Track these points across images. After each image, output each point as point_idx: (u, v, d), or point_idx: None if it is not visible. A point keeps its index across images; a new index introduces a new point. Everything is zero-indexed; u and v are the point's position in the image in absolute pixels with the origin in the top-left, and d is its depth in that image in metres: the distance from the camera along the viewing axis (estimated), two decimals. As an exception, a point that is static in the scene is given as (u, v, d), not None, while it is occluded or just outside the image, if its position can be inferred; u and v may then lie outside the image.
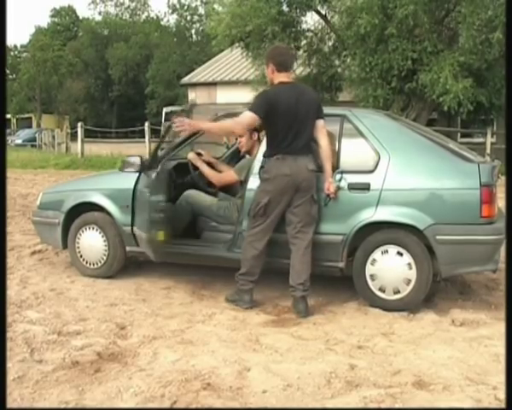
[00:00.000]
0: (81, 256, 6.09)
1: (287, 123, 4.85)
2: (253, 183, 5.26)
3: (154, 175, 5.36)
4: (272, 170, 4.89)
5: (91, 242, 6.02)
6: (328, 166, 5.00)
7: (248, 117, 4.86)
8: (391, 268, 5.00)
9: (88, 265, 6.07)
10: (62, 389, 3.47)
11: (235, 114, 5.41)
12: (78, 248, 6.08)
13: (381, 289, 5.03)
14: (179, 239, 5.75)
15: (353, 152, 5.26)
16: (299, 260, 4.93)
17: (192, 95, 24.82)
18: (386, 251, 5.00)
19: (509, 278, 3.84)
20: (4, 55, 4.97)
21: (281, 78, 4.97)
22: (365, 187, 5.02)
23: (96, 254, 6.01)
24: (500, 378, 3.58)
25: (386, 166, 5.02)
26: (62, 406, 3.27)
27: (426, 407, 3.26)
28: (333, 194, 5.01)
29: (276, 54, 5.07)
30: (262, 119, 4.84)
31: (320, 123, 5.01)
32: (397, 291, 4.99)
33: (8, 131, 41.88)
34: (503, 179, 5.15)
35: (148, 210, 5.29)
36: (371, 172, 5.05)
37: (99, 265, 6.02)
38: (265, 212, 4.93)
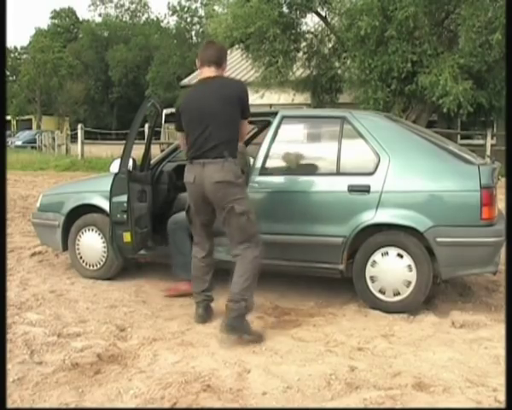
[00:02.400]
0: (81, 258, 6.09)
1: (196, 124, 4.44)
2: (254, 182, 5.29)
3: (116, 176, 5.37)
4: (185, 176, 4.60)
5: (91, 243, 6.02)
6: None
7: (179, 137, 4.84)
8: (391, 270, 5.00)
9: (88, 266, 6.07)
10: (62, 390, 3.47)
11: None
12: (78, 249, 6.09)
13: (381, 291, 5.03)
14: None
15: (353, 154, 5.27)
16: (237, 273, 4.43)
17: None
18: (387, 253, 5.00)
19: (508, 280, 3.83)
20: (4, 57, 4.96)
21: (203, 73, 4.58)
22: (365, 189, 5.02)
23: (96, 255, 6.02)
24: (500, 380, 3.58)
25: (387, 168, 5.02)
26: (62, 408, 3.27)
27: (426, 407, 3.25)
28: None
29: (200, 49, 4.72)
30: (181, 130, 4.64)
31: (243, 123, 4.59)
32: (397, 293, 4.99)
33: (8, 132, 41.92)
34: (502, 181, 5.16)
35: (110, 211, 5.32)
36: (371, 174, 5.05)
37: (98, 266, 6.02)
38: (192, 218, 4.73)
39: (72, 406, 3.29)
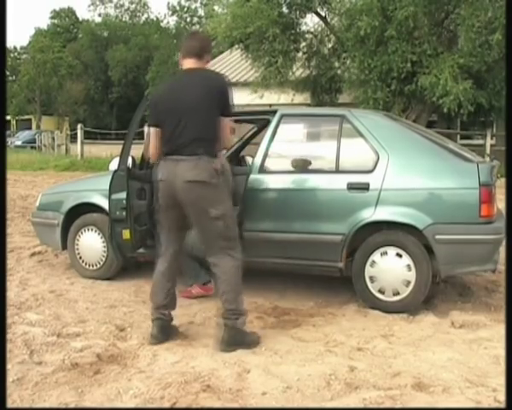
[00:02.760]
0: (80, 258, 6.09)
1: (171, 116, 4.09)
2: (253, 181, 5.30)
3: (115, 173, 5.38)
4: (156, 173, 4.32)
5: (90, 243, 6.02)
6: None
7: (150, 134, 4.33)
8: (390, 270, 5.01)
9: (87, 266, 6.07)
10: (62, 390, 3.46)
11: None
12: (78, 249, 6.09)
13: (381, 291, 5.03)
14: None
15: (352, 152, 5.28)
16: (222, 290, 4.18)
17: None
18: (386, 253, 5.00)
19: (508, 280, 3.83)
20: (4, 57, 4.96)
21: (185, 64, 4.25)
22: (364, 187, 5.02)
23: (96, 255, 6.02)
24: (500, 380, 3.58)
25: (386, 166, 5.03)
26: (62, 407, 3.27)
27: (426, 407, 3.25)
28: None
29: (183, 40, 4.47)
30: (154, 125, 4.25)
31: (224, 121, 4.15)
32: (396, 293, 4.99)
33: (7, 132, 41.89)
34: (502, 181, 5.16)
35: (109, 209, 5.33)
36: (370, 172, 5.06)
37: (98, 266, 6.02)
38: (160, 220, 4.40)
39: (72, 406, 3.28)
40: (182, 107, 4.06)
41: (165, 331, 4.33)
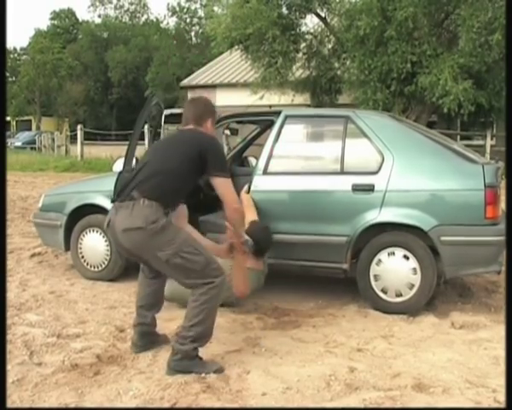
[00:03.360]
0: (83, 259, 6.09)
1: (139, 163, 4.13)
2: (257, 182, 5.30)
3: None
4: None
5: (94, 244, 6.03)
6: (239, 230, 4.17)
7: None
8: (395, 271, 5.00)
9: (90, 267, 6.07)
10: (62, 391, 3.47)
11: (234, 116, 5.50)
12: (81, 250, 6.09)
13: (384, 291, 5.03)
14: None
15: (357, 153, 5.27)
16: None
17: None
18: (393, 253, 5.00)
19: (508, 282, 3.83)
20: (4, 58, 4.95)
21: None
22: (369, 188, 5.02)
23: (99, 256, 6.02)
24: (500, 381, 3.58)
25: (391, 167, 5.02)
26: (62, 407, 3.27)
27: (426, 406, 3.25)
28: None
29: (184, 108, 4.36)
30: None
31: (218, 182, 3.88)
32: (399, 294, 4.99)
33: (7, 133, 41.88)
34: (504, 181, 5.16)
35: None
36: (375, 173, 5.06)
37: (101, 268, 6.02)
38: None
39: (72, 406, 3.28)
40: (148, 157, 4.03)
41: (146, 339, 4.17)
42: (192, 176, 3.94)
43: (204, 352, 4.08)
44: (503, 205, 5.14)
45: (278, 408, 3.24)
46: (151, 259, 3.78)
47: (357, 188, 5.06)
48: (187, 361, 3.75)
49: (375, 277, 5.06)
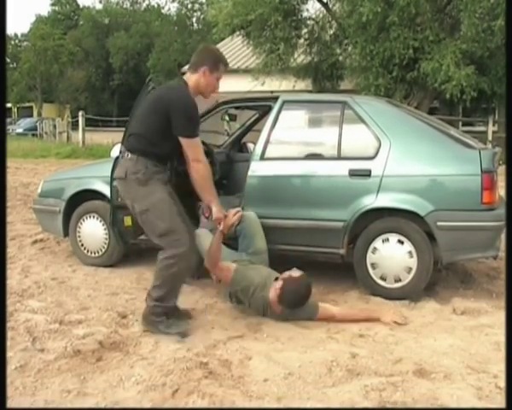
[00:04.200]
0: (82, 245, 6.10)
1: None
2: (255, 168, 5.31)
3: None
4: None
5: (92, 230, 6.03)
6: (203, 195, 4.25)
7: None
8: (392, 257, 5.01)
9: (89, 253, 6.08)
10: (64, 377, 3.47)
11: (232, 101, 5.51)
12: (79, 236, 6.09)
13: (382, 278, 5.04)
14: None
15: (354, 139, 5.28)
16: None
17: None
18: (387, 239, 5.00)
19: (509, 271, 3.83)
20: (4, 45, 4.93)
21: None
22: (366, 173, 5.02)
23: (97, 242, 6.02)
24: (501, 367, 3.59)
25: (387, 152, 5.02)
26: (64, 394, 3.28)
27: (429, 407, 3.24)
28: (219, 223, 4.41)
29: None
30: None
31: (183, 141, 4.05)
32: (398, 279, 5.00)
33: (8, 120, 41.85)
34: (503, 168, 5.15)
35: (111, 195, 5.33)
36: (372, 158, 5.06)
37: (100, 253, 6.03)
38: None
39: (74, 393, 3.29)
40: (135, 115, 4.41)
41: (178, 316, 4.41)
42: (168, 131, 4.04)
43: (206, 337, 4.10)
44: (501, 191, 5.14)
45: (278, 409, 3.24)
46: (132, 209, 4.18)
47: (354, 173, 5.07)
48: (153, 317, 4.17)
49: (373, 265, 5.07)
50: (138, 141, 4.11)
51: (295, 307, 4.38)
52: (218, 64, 4.25)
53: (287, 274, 4.44)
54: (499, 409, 3.12)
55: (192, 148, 4.06)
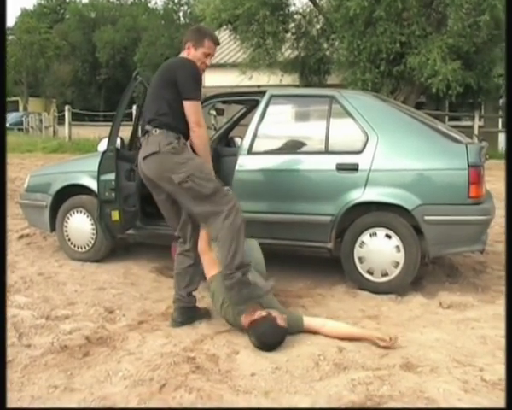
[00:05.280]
0: (69, 240, 6.08)
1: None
2: (242, 162, 5.32)
3: (104, 154, 5.41)
4: None
5: (79, 225, 6.01)
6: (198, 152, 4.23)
7: None
8: (379, 251, 5.02)
9: (76, 248, 6.05)
10: (51, 373, 3.46)
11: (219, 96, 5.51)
12: (66, 231, 6.07)
13: (370, 272, 5.06)
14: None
15: (342, 133, 5.28)
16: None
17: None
18: (375, 234, 5.02)
19: (509, 271, 3.85)
20: (4, 44, 4.89)
21: None
22: (353, 168, 5.03)
23: (84, 237, 6.00)
24: (486, 360, 3.62)
25: (375, 146, 5.04)
26: (51, 390, 3.27)
27: (429, 407, 3.25)
28: None
29: None
30: None
31: (184, 104, 4.11)
32: (385, 274, 5.01)
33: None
34: (490, 162, 5.17)
35: (98, 190, 5.33)
36: (359, 152, 5.07)
37: (87, 248, 6.01)
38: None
39: (61, 388, 3.28)
40: (149, 93, 4.39)
41: (185, 314, 4.32)
42: (180, 98, 4.11)
43: (193, 332, 4.10)
44: (488, 186, 5.17)
45: (277, 408, 3.24)
46: (167, 184, 4.04)
47: (341, 167, 5.07)
48: (245, 289, 4.00)
49: (360, 259, 5.08)
50: (163, 115, 4.11)
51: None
52: (202, 39, 4.32)
53: (255, 315, 3.96)
54: (499, 409, 3.14)
55: (195, 111, 4.12)
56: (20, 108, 53.25)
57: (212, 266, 4.31)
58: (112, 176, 5.33)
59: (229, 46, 22.99)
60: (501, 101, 18.34)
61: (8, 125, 39.09)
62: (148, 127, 4.14)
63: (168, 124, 4.10)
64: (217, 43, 4.44)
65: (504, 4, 13.62)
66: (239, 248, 3.99)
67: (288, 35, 18.44)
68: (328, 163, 5.12)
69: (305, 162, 5.26)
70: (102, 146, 5.56)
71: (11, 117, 43.08)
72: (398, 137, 5.11)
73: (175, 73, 4.12)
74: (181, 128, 4.13)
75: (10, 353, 3.70)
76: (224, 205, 3.99)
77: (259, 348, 3.82)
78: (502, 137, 19.26)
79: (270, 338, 3.84)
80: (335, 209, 5.08)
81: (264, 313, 3.92)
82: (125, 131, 5.78)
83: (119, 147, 5.51)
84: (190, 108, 4.10)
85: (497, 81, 15.54)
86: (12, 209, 8.93)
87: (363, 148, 5.07)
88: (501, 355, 3.72)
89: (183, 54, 4.34)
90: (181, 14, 67.43)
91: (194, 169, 4.01)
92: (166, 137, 4.05)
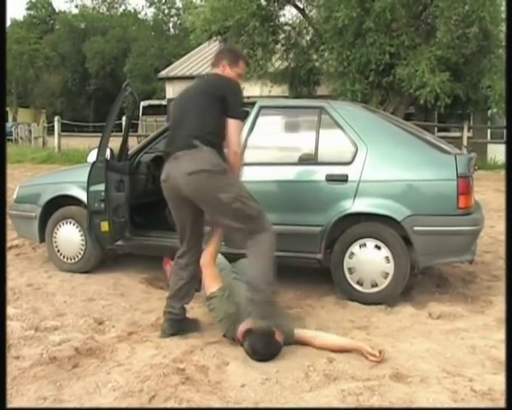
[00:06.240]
0: (58, 251, 6.05)
1: (175, 117, 4.30)
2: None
3: (93, 164, 5.42)
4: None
5: (68, 236, 5.99)
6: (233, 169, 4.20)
7: None
8: (369, 262, 5.03)
9: (65, 259, 6.03)
10: (40, 384, 3.45)
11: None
12: (56, 242, 6.05)
13: (359, 283, 5.06)
14: (157, 232, 5.76)
15: (331, 144, 5.30)
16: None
17: (170, 89, 24.75)
18: (365, 245, 5.03)
19: (509, 271, 3.86)
20: (4, 48, 4.88)
21: None
22: (343, 179, 5.05)
23: (74, 248, 5.98)
24: (476, 370, 3.63)
25: (364, 157, 5.05)
26: (40, 401, 3.25)
27: (431, 407, 3.26)
28: None
29: None
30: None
31: (229, 122, 4.09)
32: (375, 284, 5.02)
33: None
34: (479, 172, 5.19)
35: (88, 201, 5.33)
36: (349, 163, 5.09)
37: (76, 259, 5.99)
38: (173, 219, 4.37)
39: (50, 400, 3.27)
40: (184, 108, 4.21)
41: (175, 327, 4.32)
42: (224, 118, 4.10)
43: (183, 343, 4.09)
44: (477, 196, 5.19)
45: (278, 408, 3.24)
46: (210, 201, 4.00)
47: (330, 178, 5.08)
48: (270, 307, 4.01)
49: (350, 270, 5.09)
50: (210, 135, 4.06)
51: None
52: (238, 60, 4.43)
53: (246, 324, 4.01)
54: (499, 409, 3.15)
55: (239, 131, 4.19)
56: (10, 118, 53.08)
57: (213, 281, 4.28)
58: (101, 187, 5.34)
59: (219, 57, 22.99)
60: (489, 112, 18.44)
61: (-3, 135, 38.98)
62: (195, 142, 3.99)
63: (215, 143, 4.08)
64: (247, 66, 4.55)
65: (493, 17, 13.85)
66: (271, 266, 4.08)
67: (278, 46, 18.47)
68: (318, 174, 5.13)
69: (295, 173, 5.26)
70: (92, 157, 5.55)
71: (0, 127, 42.93)
72: (387, 148, 5.13)
73: (223, 90, 4.12)
74: (222, 148, 4.18)
75: (-1, 364, 3.68)
76: (268, 228, 4.12)
77: (250, 356, 3.83)
78: (490, 148, 19.38)
79: (263, 349, 3.85)
80: (325, 220, 5.08)
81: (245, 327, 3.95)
82: (115, 142, 5.78)
83: (108, 158, 5.52)
84: (235, 126, 4.11)
85: (485, 92, 15.63)
86: (1, 220, 8.90)
87: (353, 159, 5.09)
88: (490, 365, 3.74)
89: (217, 71, 4.37)
90: (171, 25, 67.48)
91: (241, 190, 4.11)
92: (216, 157, 4.02)
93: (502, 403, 3.22)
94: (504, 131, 19.21)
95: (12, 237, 7.40)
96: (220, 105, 4.08)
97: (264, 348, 3.84)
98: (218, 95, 4.11)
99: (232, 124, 4.09)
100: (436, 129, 19.61)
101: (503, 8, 14.58)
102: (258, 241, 4.06)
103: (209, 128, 4.07)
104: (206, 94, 4.16)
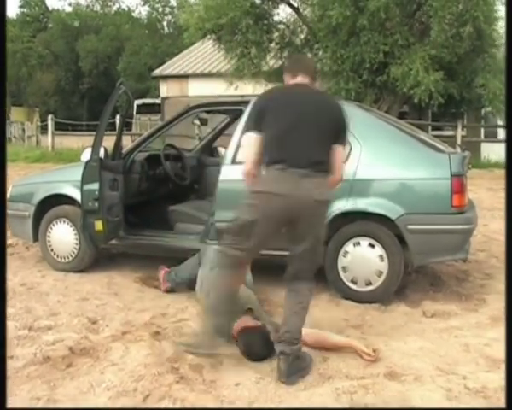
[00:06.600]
0: (52, 250, 6.04)
1: (292, 125, 3.71)
2: (226, 172, 5.29)
3: (87, 163, 5.42)
4: (265, 182, 3.81)
5: (62, 235, 5.97)
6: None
7: (251, 140, 3.89)
8: (363, 260, 5.03)
9: (59, 258, 6.02)
10: (33, 384, 3.44)
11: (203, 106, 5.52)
12: (49, 241, 6.03)
13: (353, 281, 5.07)
14: (151, 231, 5.75)
15: None
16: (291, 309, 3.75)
17: (163, 87, 24.73)
18: (359, 243, 5.03)
19: (509, 271, 3.87)
20: (4, 47, 4.86)
21: (297, 80, 3.92)
22: None
23: (67, 247, 5.97)
24: (470, 368, 3.64)
25: (358, 156, 5.05)
26: (34, 401, 3.25)
27: (430, 407, 3.26)
28: None
29: (293, 60, 4.41)
30: (259, 130, 3.76)
31: (340, 150, 3.79)
32: (369, 283, 5.02)
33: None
34: (473, 171, 5.21)
35: (81, 200, 5.32)
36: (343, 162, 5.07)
37: (70, 258, 5.97)
38: (249, 233, 3.78)
39: (44, 400, 3.27)
40: (307, 122, 3.72)
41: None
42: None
43: (177, 342, 4.08)
44: (471, 195, 5.20)
45: (275, 408, 3.24)
46: (311, 231, 3.66)
47: None
48: (298, 361, 3.63)
49: (344, 268, 5.09)
50: (325, 165, 3.70)
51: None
52: (290, 71, 4.04)
53: (241, 322, 4.01)
54: (499, 409, 3.16)
55: (342, 157, 3.91)
56: (3, 117, 52.95)
57: None
58: (95, 186, 5.33)
59: (213, 55, 22.98)
60: (483, 111, 18.49)
61: (-10, 134, 38.88)
62: (322, 167, 3.64)
63: (328, 173, 3.73)
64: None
65: (486, 16, 13.87)
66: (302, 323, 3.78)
67: (272, 45, 18.45)
68: None
69: (289, 172, 5.25)
70: (86, 156, 5.54)
71: (-7, 126, 42.81)
72: (381, 146, 5.13)
73: (339, 116, 3.81)
74: None
75: (-8, 364, 3.67)
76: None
77: (245, 355, 3.83)
78: (484, 147, 19.43)
79: (258, 349, 3.84)
80: (319, 219, 5.08)
81: (259, 323, 3.94)
82: (109, 141, 5.77)
83: (102, 157, 5.51)
84: (342, 154, 3.89)
85: (479, 91, 15.65)
86: (-6, 219, 8.88)
87: (347, 157, 5.08)
88: (483, 363, 3.76)
89: (306, 80, 3.94)
90: (165, 23, 67.36)
91: (323, 235, 3.90)
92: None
93: (495, 401, 3.23)
94: (498, 129, 19.33)
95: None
96: (333, 131, 3.75)
97: (260, 348, 3.84)
98: (334, 121, 3.78)
99: (341, 152, 3.82)
100: (430, 128, 19.63)
101: (497, 7, 14.63)
102: (306, 293, 3.75)
103: (325, 156, 3.70)
104: (327, 119, 3.77)
